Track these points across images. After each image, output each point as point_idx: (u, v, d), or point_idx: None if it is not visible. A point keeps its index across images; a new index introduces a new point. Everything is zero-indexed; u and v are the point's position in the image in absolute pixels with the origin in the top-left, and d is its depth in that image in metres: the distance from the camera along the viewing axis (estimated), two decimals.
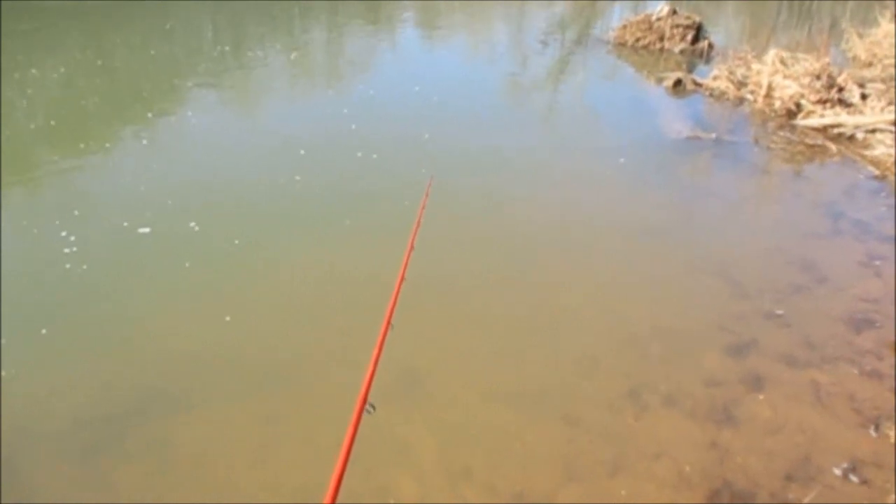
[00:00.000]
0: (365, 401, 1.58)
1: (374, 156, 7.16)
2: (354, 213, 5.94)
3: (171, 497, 3.22)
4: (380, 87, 10.20)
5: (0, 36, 11.50)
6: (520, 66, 12.35)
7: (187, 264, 5.07)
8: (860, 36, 11.60)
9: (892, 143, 7.70)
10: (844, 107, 8.54)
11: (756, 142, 8.12)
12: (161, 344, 4.28)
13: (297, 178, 6.58)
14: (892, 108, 8.20)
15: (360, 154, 7.17)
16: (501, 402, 3.83)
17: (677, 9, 12.77)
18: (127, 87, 9.95)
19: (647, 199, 6.42)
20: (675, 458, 3.45)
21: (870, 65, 10.77)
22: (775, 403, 3.85)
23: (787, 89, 8.91)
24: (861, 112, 8.37)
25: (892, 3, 12.26)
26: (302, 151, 7.26)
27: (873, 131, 8.03)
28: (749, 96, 9.52)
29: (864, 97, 8.62)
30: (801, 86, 8.79)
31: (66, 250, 5.17)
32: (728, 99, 9.60)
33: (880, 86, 9.09)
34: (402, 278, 2.26)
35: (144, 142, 7.80)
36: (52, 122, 8.34)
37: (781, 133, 8.30)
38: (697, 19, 12.64)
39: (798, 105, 8.75)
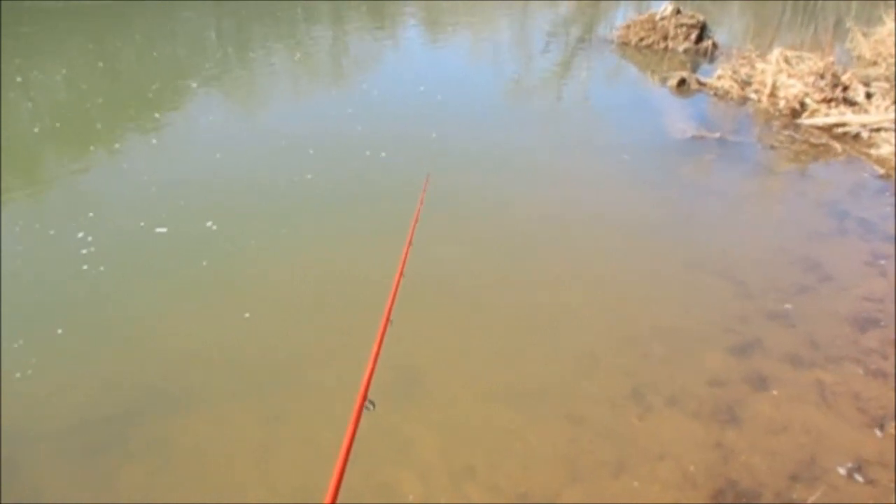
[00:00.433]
0: (365, 398, 1.58)
1: (383, 154, 7.23)
2: (366, 210, 6.00)
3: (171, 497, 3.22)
4: (384, 88, 10.22)
5: (0, 38, 11.54)
6: (523, 65, 12.34)
7: (204, 263, 5.11)
8: (865, 35, 11.56)
9: None
10: (849, 106, 8.51)
11: (760, 141, 8.09)
12: (182, 343, 4.29)
13: (309, 176, 6.66)
14: None
15: (368, 153, 7.23)
16: (503, 401, 3.82)
17: (681, 8, 12.74)
18: (131, 89, 9.98)
19: (651, 198, 6.40)
20: (679, 458, 3.44)
21: (874, 63, 10.73)
22: (779, 403, 3.83)
23: (792, 88, 8.89)
24: (866, 111, 8.34)
25: None
26: (311, 151, 7.31)
27: (878, 130, 7.99)
28: (753, 96, 9.50)
29: (868, 96, 8.58)
30: (806, 85, 8.77)
31: (84, 251, 5.20)
32: (732, 98, 9.58)
33: (885, 84, 9.05)
34: (401, 274, 2.26)
35: (154, 141, 7.85)
36: (57, 125, 8.37)
37: (786, 132, 8.28)
38: (701, 18, 12.62)
39: (802, 104, 8.72)
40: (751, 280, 5.04)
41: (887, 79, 9.40)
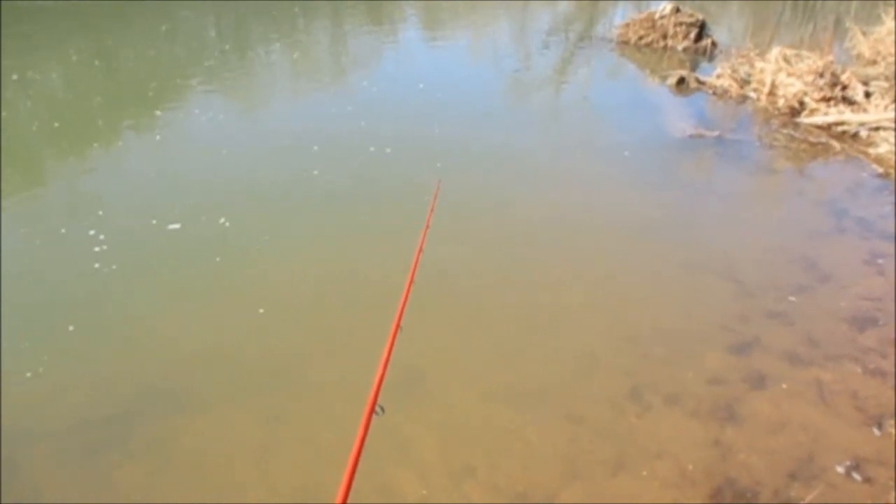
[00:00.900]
0: (375, 403, 1.59)
1: (388, 150, 7.30)
2: (374, 206, 6.08)
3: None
4: (384, 86, 10.23)
5: (0, 38, 11.54)
6: (523, 64, 12.34)
7: (218, 259, 5.16)
8: (864, 34, 11.55)
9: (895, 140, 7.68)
10: (848, 104, 8.51)
11: (759, 140, 8.10)
12: (195, 342, 4.32)
13: (315, 172, 6.71)
14: None
15: (372, 149, 7.30)
16: (503, 401, 3.83)
17: (680, 7, 12.74)
18: (131, 87, 9.98)
19: (650, 197, 6.41)
20: (677, 456, 3.45)
21: (874, 62, 10.72)
22: (778, 402, 3.85)
23: (791, 87, 8.89)
24: (865, 110, 8.35)
25: None
26: (315, 148, 7.36)
27: (877, 129, 8.00)
28: (752, 94, 9.51)
29: (867, 95, 8.59)
30: (805, 84, 8.77)
31: (97, 249, 5.22)
32: (731, 97, 9.58)
33: (884, 83, 9.05)
34: (412, 280, 2.26)
35: (158, 138, 7.90)
36: (56, 124, 8.36)
37: (785, 131, 8.28)
38: (700, 17, 12.61)
39: (801, 103, 8.73)
40: (750, 279, 5.06)
41: (886, 78, 9.39)
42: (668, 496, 3.23)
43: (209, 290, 4.86)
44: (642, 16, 13.05)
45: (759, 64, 9.81)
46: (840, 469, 3.39)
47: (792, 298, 4.83)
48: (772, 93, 9.17)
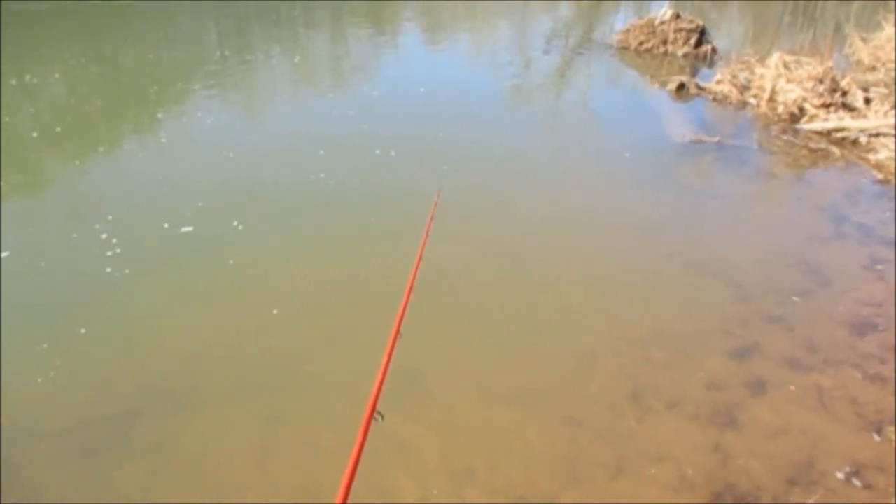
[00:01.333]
0: (374, 409, 1.59)
1: (392, 152, 7.36)
2: (380, 207, 6.13)
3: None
4: (385, 90, 10.26)
5: (0, 42, 11.57)
6: (523, 69, 12.37)
7: (231, 262, 5.17)
8: (864, 40, 11.59)
9: (895, 146, 7.69)
10: (848, 111, 8.53)
11: (759, 146, 8.11)
12: (219, 343, 4.32)
13: (322, 175, 6.74)
14: None
15: (378, 151, 7.36)
16: (503, 403, 3.82)
17: (681, 12, 12.78)
18: (133, 91, 9.99)
19: (650, 202, 6.42)
20: (677, 460, 3.45)
21: (873, 69, 10.76)
22: (778, 407, 3.84)
23: (791, 93, 8.91)
24: (865, 116, 8.36)
25: None
26: (322, 152, 7.39)
27: (877, 135, 8.01)
28: (752, 100, 9.53)
29: (867, 101, 8.61)
30: (805, 90, 8.79)
31: (109, 253, 5.22)
32: (731, 103, 9.60)
33: (884, 90, 9.07)
34: (411, 288, 2.27)
35: (164, 140, 7.92)
36: (59, 129, 8.35)
37: (784, 137, 8.30)
38: (700, 23, 12.65)
39: (801, 109, 8.75)
40: (749, 283, 5.06)
41: (886, 84, 9.42)
42: (668, 500, 3.22)
43: (224, 292, 4.86)
44: (642, 21, 13.09)
45: (758, 70, 9.83)
46: (840, 475, 3.38)
47: (792, 303, 4.83)
48: (772, 99, 9.19)
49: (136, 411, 3.74)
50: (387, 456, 3.37)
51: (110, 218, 5.77)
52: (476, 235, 5.66)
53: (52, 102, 9.51)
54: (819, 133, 8.34)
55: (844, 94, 8.68)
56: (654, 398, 3.87)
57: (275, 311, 4.57)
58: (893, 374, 4.10)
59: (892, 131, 7.91)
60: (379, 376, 1.70)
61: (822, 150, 7.94)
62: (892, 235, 5.84)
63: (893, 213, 6.26)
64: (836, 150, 7.91)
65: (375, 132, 8.01)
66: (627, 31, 13.15)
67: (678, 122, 8.73)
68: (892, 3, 12.69)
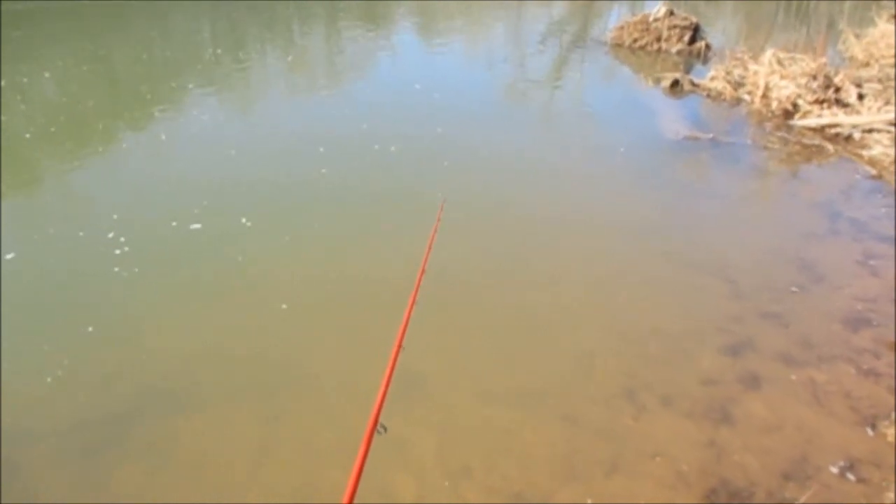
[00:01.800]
0: (376, 422, 1.58)
1: (392, 148, 7.41)
2: (382, 203, 6.18)
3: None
4: (381, 88, 10.26)
5: (0, 42, 11.54)
6: (518, 66, 12.37)
7: (240, 258, 5.19)
8: (857, 36, 11.63)
9: (889, 142, 7.72)
10: (841, 107, 8.56)
11: (753, 142, 8.13)
12: (209, 341, 4.32)
13: (324, 170, 6.80)
14: (889, 107, 8.22)
15: (377, 146, 7.43)
16: (500, 402, 3.83)
17: (674, 10, 12.79)
18: (131, 91, 9.95)
19: (644, 199, 6.43)
20: (672, 457, 3.46)
21: (867, 65, 10.80)
22: (772, 402, 3.86)
23: (784, 90, 8.94)
24: (858, 112, 8.39)
25: (892, 1, 12.29)
26: (321, 149, 7.41)
27: (870, 131, 8.04)
28: (746, 97, 9.55)
29: (861, 97, 8.64)
30: (798, 86, 8.82)
31: (117, 251, 5.22)
32: (725, 99, 9.62)
33: (877, 86, 9.11)
34: (414, 301, 2.27)
35: (163, 136, 7.93)
36: (52, 129, 8.31)
37: (778, 133, 8.32)
38: (694, 20, 12.68)
39: (795, 105, 8.77)
40: (744, 279, 5.07)
41: (879, 80, 9.46)
42: (663, 496, 3.23)
43: (234, 289, 4.87)
44: (636, 18, 13.11)
45: (752, 66, 9.85)
46: (834, 469, 3.40)
47: (787, 299, 4.85)
48: (765, 95, 9.21)
49: (139, 409, 3.74)
50: (385, 455, 3.37)
51: (115, 217, 5.75)
52: (474, 234, 5.65)
53: (47, 102, 9.48)
54: (813, 129, 8.37)
55: (838, 90, 8.71)
56: (650, 395, 3.88)
57: (284, 307, 4.59)
58: (887, 369, 4.12)
59: (886, 127, 7.94)
60: (382, 389, 1.69)
61: (815, 146, 7.97)
62: (886, 231, 5.86)
63: (887, 209, 6.29)
64: (829, 147, 7.93)
65: (375, 129, 8.04)
66: (622, 28, 13.16)
67: (672, 119, 8.75)
68: (886, 0, 12.72)
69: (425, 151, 7.51)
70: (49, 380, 3.90)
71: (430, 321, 4.43)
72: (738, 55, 10.50)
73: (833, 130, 8.26)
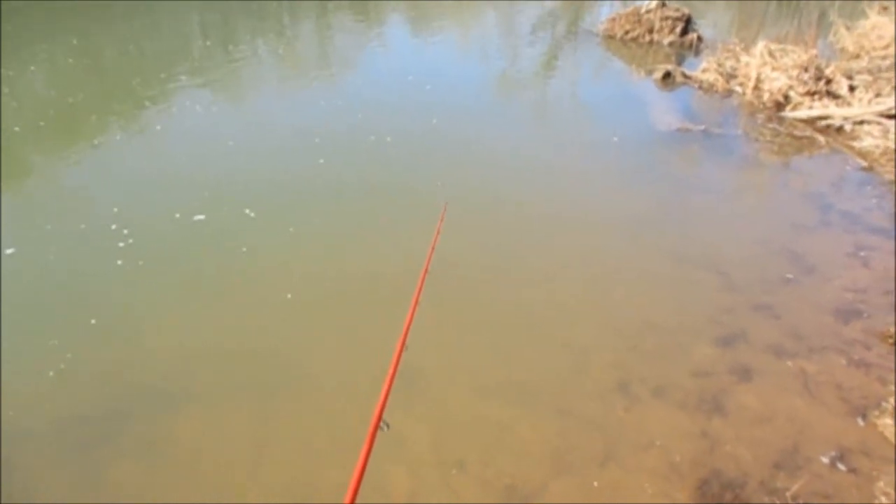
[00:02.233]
0: (380, 419, 1.59)
1: (388, 139, 7.43)
2: (380, 193, 6.23)
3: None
4: (374, 80, 10.22)
5: (0, 37, 11.44)
6: (510, 58, 12.34)
7: (244, 249, 5.20)
8: (848, 28, 11.66)
9: (879, 134, 7.75)
10: (832, 98, 8.59)
11: (745, 134, 8.15)
12: (213, 337, 4.32)
13: (321, 160, 6.82)
14: (880, 99, 8.25)
15: (373, 137, 7.44)
16: (494, 395, 3.84)
17: (666, 1, 12.78)
18: (123, 84, 9.85)
19: (636, 192, 6.44)
20: (665, 448, 3.48)
21: (857, 57, 10.84)
22: (764, 393, 3.89)
23: (776, 81, 8.95)
24: (849, 104, 8.42)
25: None
26: (317, 140, 7.42)
27: (861, 123, 8.08)
28: (738, 88, 9.56)
29: (851, 89, 8.67)
30: (790, 78, 8.84)
31: (121, 244, 5.20)
32: (717, 91, 9.63)
33: (868, 77, 9.14)
34: (416, 302, 2.26)
35: (158, 127, 7.91)
36: (42, 123, 8.21)
37: (770, 125, 8.34)
38: (686, 12, 12.67)
39: (786, 97, 8.79)
40: (735, 271, 5.10)
41: (870, 71, 9.49)
42: (656, 487, 3.25)
43: (239, 280, 4.88)
44: (628, 10, 13.09)
45: (744, 58, 9.87)
46: (825, 459, 3.43)
47: (778, 291, 4.88)
48: (757, 87, 9.23)
49: (139, 404, 3.73)
50: (379, 448, 3.36)
51: (116, 210, 5.71)
52: (468, 232, 5.63)
53: (37, 96, 9.38)
54: (804, 121, 8.40)
55: (829, 82, 8.73)
56: (643, 387, 3.90)
57: (288, 296, 4.62)
58: (877, 360, 4.15)
59: (877, 119, 7.98)
60: (385, 387, 1.70)
61: (807, 137, 8.00)
62: (877, 222, 5.90)
63: (877, 200, 6.32)
64: (820, 138, 7.96)
65: (369, 120, 8.06)
66: (613, 19, 13.14)
67: (664, 111, 8.75)
68: None
69: (420, 142, 7.52)
70: (51, 374, 3.89)
71: (426, 317, 4.42)
72: (730, 47, 10.52)
73: (824, 122, 8.29)
